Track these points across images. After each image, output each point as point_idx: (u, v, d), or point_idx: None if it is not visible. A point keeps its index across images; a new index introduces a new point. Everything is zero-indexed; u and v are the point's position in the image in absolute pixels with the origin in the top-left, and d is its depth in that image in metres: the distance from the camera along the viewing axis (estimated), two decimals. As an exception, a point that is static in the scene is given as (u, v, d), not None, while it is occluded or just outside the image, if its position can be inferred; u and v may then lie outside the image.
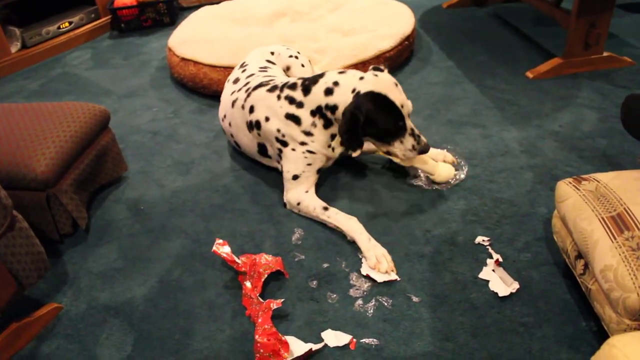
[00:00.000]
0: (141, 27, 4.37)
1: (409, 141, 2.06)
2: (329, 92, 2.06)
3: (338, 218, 2.06)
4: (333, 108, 2.06)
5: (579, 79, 2.98)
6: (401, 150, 2.09)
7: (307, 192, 2.17)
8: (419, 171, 2.27)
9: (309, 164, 2.17)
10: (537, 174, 2.27)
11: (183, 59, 3.22)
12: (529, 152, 2.41)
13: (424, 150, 2.09)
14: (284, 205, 2.22)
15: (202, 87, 3.15)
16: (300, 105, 2.11)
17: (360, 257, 1.93)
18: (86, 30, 4.25)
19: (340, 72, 2.11)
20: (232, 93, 2.39)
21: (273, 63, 2.59)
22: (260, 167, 2.47)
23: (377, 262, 1.87)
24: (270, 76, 2.39)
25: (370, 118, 1.98)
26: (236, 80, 2.45)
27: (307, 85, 2.12)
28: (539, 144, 2.46)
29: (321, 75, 2.13)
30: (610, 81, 2.93)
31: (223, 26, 3.54)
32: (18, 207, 1.92)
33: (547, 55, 3.25)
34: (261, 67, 2.49)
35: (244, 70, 2.49)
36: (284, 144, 2.16)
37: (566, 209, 1.60)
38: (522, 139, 2.50)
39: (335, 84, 2.06)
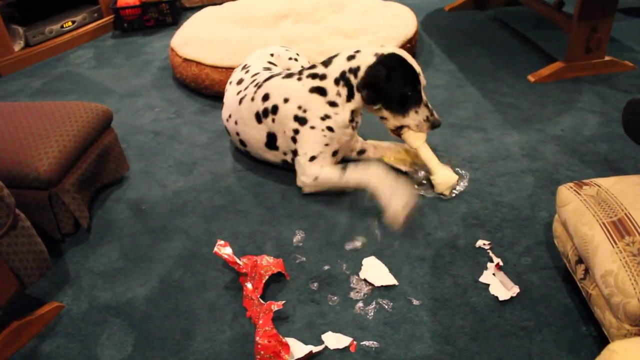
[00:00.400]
0: (144, 27, 4.38)
1: (423, 111, 2.15)
2: (351, 57, 2.16)
3: (359, 172, 2.16)
4: (356, 70, 2.13)
5: (580, 83, 2.99)
6: (415, 120, 2.16)
7: (322, 167, 2.22)
8: (422, 175, 2.27)
9: (327, 144, 2.21)
10: (538, 178, 2.28)
11: (185, 60, 3.22)
12: (530, 156, 2.42)
13: (435, 124, 2.17)
14: (300, 189, 2.26)
15: (204, 88, 3.16)
16: (323, 77, 2.18)
17: (360, 256, 1.93)
18: (89, 30, 4.25)
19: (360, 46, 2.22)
20: (239, 92, 2.41)
21: (274, 64, 2.60)
22: (263, 169, 2.47)
23: (397, 212, 2.02)
24: (277, 71, 2.41)
25: (393, 75, 2.07)
26: (240, 81, 2.46)
27: (327, 61, 2.23)
28: (540, 148, 2.46)
29: (340, 53, 2.23)
30: (612, 85, 2.93)
31: (226, 27, 3.55)
32: (20, 205, 1.93)
33: (549, 59, 3.26)
34: (264, 67, 2.51)
35: (247, 72, 2.50)
36: (303, 121, 2.19)
37: (567, 213, 1.60)
38: (524, 143, 2.51)
39: (357, 51, 2.17)
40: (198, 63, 3.15)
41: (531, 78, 3.07)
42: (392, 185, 2.09)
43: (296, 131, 2.21)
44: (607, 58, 3.02)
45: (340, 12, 3.73)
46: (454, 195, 2.20)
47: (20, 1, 3.90)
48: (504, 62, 3.32)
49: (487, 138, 2.57)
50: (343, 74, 2.15)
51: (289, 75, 2.27)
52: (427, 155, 2.22)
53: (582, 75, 3.05)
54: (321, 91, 2.18)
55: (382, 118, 2.20)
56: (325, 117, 2.18)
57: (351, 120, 2.21)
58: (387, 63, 2.08)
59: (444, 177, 2.20)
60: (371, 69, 2.09)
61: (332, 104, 2.17)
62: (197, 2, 4.78)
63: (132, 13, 4.30)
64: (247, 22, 3.64)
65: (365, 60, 2.12)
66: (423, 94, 2.15)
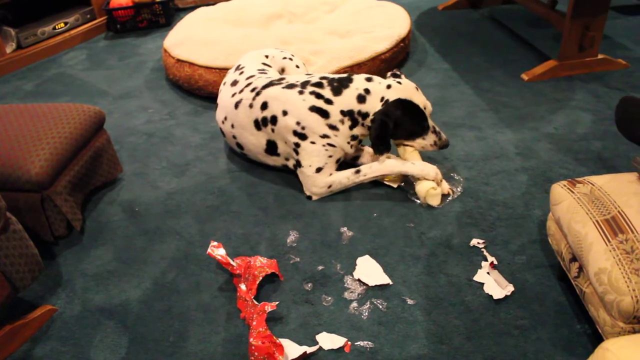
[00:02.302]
0: (137, 27, 4.36)
1: (431, 138, 2.23)
2: (361, 99, 2.17)
3: (374, 170, 2.22)
4: (365, 115, 2.17)
5: (574, 81, 2.99)
6: (420, 145, 2.25)
7: (330, 174, 2.24)
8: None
9: (330, 156, 2.22)
10: (532, 176, 2.28)
11: (178, 60, 3.21)
12: (524, 154, 2.42)
13: (444, 146, 2.25)
14: (309, 198, 2.26)
15: (197, 89, 3.15)
16: (329, 102, 2.18)
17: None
18: (82, 31, 4.23)
19: (368, 79, 2.21)
20: (233, 95, 2.38)
21: (269, 66, 2.59)
22: (256, 169, 2.47)
23: (436, 174, 2.15)
24: (276, 77, 2.38)
25: (399, 123, 2.15)
26: (234, 83, 2.44)
27: (337, 87, 2.20)
28: (534, 146, 2.46)
29: (350, 80, 2.21)
30: (605, 83, 2.94)
31: (219, 27, 3.54)
32: (12, 208, 1.92)
33: (542, 58, 3.26)
34: (259, 69, 2.49)
35: (241, 73, 2.48)
36: (303, 137, 2.19)
37: (561, 211, 1.60)
38: (517, 141, 2.51)
39: (367, 91, 2.17)
40: (191, 64, 3.14)
41: (525, 76, 3.08)
42: (412, 164, 2.19)
43: (297, 144, 2.21)
44: (600, 56, 3.03)
45: (334, 12, 3.73)
46: (442, 205, 2.17)
47: (12, 3, 3.88)
48: (497, 61, 3.32)
49: (481, 136, 2.57)
50: (351, 112, 2.17)
51: (290, 86, 2.23)
52: (414, 159, 2.24)
53: (575, 74, 3.05)
54: (322, 113, 2.17)
55: None
56: (325, 136, 2.19)
57: (350, 143, 2.24)
58: (393, 114, 2.12)
59: (423, 187, 2.16)
60: (377, 122, 2.11)
61: (333, 127, 2.19)
62: (191, 2, 4.77)
63: (125, 14, 4.28)
64: (240, 23, 3.63)
65: (373, 107, 2.16)
66: (430, 121, 2.22)
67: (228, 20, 3.66)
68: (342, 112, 2.18)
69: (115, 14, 4.26)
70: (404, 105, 2.14)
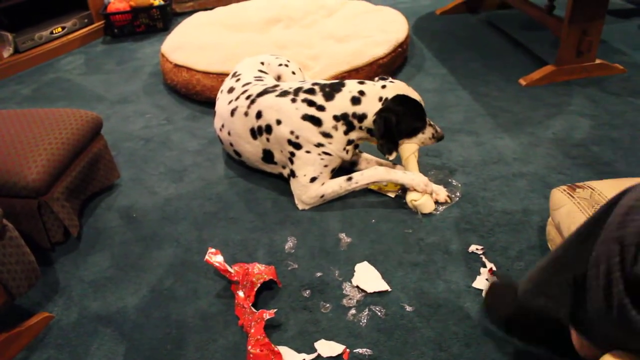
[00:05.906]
0: (134, 32, 4.36)
1: (429, 131, 2.23)
2: (356, 101, 2.14)
3: (365, 177, 2.20)
4: (362, 117, 2.15)
5: (572, 86, 2.99)
6: (420, 140, 2.23)
7: (323, 184, 2.22)
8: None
9: (325, 165, 2.21)
10: (530, 181, 2.27)
11: (176, 65, 3.21)
12: (522, 159, 2.41)
13: (441, 137, 2.26)
14: (302, 209, 2.24)
15: (195, 94, 3.14)
16: (321, 108, 2.15)
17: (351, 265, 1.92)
18: (79, 36, 4.23)
19: (360, 83, 2.20)
20: (230, 102, 2.37)
21: (265, 72, 2.58)
22: (254, 175, 2.46)
23: (425, 185, 2.13)
24: (271, 84, 2.37)
25: (403, 118, 2.13)
26: (231, 90, 2.43)
27: (329, 92, 2.18)
28: (532, 152, 2.46)
29: (342, 84, 2.20)
30: (603, 88, 2.94)
31: (216, 32, 3.54)
32: (8, 215, 1.91)
33: (540, 63, 3.27)
34: (256, 77, 2.48)
35: (237, 80, 2.48)
36: (298, 146, 2.17)
37: (560, 216, 1.60)
38: (515, 147, 2.51)
39: (361, 93, 2.15)
40: (189, 69, 3.13)
41: (522, 81, 3.08)
42: (402, 171, 2.19)
43: (292, 154, 2.19)
44: (597, 61, 3.03)
45: (332, 16, 3.73)
46: (437, 212, 2.15)
47: (9, 7, 3.87)
48: (495, 66, 3.32)
49: (479, 142, 2.57)
50: (345, 115, 2.15)
51: (284, 94, 2.21)
52: (410, 167, 2.23)
53: (573, 79, 3.05)
54: (315, 121, 2.15)
55: None
56: (319, 145, 2.17)
57: (346, 148, 2.21)
58: (394, 108, 2.10)
59: (408, 198, 2.16)
60: (380, 118, 2.09)
61: (327, 135, 2.16)
62: (188, 7, 4.77)
63: (123, 19, 4.28)
64: (238, 28, 3.63)
65: (371, 108, 2.13)
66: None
67: (226, 25, 3.66)
68: (335, 117, 2.15)
69: (113, 18, 4.26)
70: (405, 101, 2.14)
